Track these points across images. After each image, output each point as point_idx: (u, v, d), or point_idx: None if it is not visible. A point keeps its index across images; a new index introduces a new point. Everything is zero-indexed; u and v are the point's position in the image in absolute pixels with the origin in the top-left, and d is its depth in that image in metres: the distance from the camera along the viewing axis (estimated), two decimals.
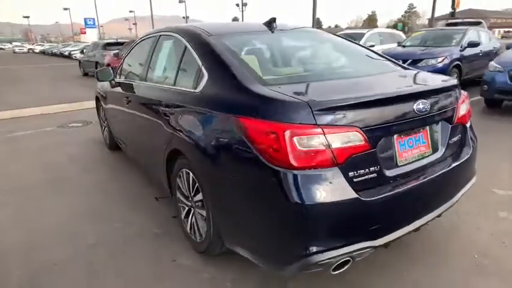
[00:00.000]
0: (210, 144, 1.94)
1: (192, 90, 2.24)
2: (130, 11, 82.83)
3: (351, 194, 1.60)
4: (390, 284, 2.05)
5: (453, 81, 2.17)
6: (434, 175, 1.93)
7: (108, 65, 11.59)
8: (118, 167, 4.12)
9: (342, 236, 1.65)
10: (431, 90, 1.98)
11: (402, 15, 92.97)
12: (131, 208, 3.08)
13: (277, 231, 1.68)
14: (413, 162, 1.92)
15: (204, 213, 2.18)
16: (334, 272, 1.70)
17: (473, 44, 8.59)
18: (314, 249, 1.59)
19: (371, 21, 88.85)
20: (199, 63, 2.25)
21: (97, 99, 4.79)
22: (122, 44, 13.50)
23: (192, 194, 2.29)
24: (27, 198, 3.33)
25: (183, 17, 56.96)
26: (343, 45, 2.86)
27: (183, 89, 2.40)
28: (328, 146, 1.58)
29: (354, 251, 1.66)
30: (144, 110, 2.88)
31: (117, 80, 3.78)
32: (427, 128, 2.00)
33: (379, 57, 2.69)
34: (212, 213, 2.04)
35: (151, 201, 3.22)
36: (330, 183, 1.58)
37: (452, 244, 2.42)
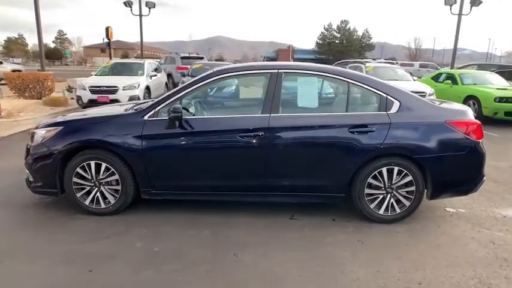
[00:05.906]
0: (431, 138, 3.39)
1: (382, 112, 3.43)
2: None
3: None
4: None
5: None
6: None
7: None
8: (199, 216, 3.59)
9: None
10: None
11: (53, 41, 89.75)
12: (301, 238, 3.30)
13: (475, 171, 3.53)
14: None
15: (411, 188, 3.44)
16: None
17: None
18: (484, 175, 3.59)
19: (20, 46, 79.40)
20: (383, 94, 3.46)
21: (68, 154, 3.48)
22: None
23: (395, 181, 3.42)
24: None
25: None
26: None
27: (367, 112, 3.56)
28: None
29: None
30: (309, 136, 3.48)
31: (203, 116, 3.83)
32: None
33: None
34: (432, 181, 3.44)
35: (288, 221, 3.56)
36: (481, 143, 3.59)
37: None
